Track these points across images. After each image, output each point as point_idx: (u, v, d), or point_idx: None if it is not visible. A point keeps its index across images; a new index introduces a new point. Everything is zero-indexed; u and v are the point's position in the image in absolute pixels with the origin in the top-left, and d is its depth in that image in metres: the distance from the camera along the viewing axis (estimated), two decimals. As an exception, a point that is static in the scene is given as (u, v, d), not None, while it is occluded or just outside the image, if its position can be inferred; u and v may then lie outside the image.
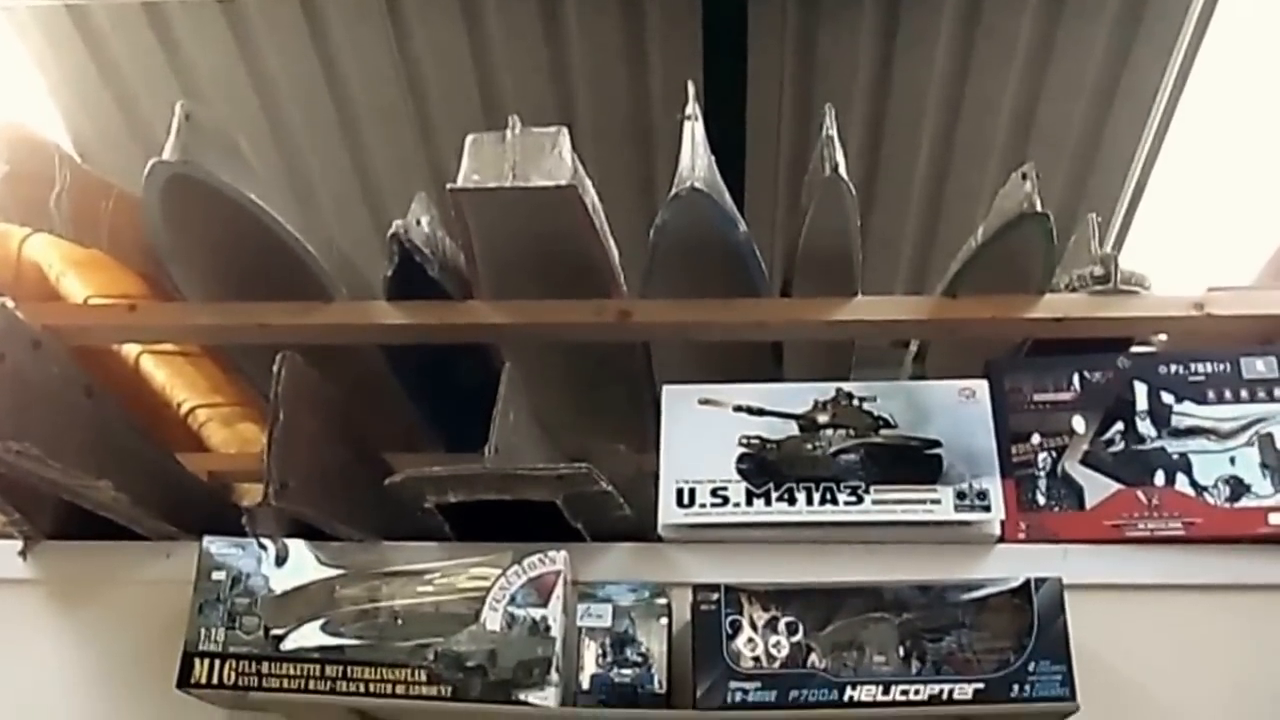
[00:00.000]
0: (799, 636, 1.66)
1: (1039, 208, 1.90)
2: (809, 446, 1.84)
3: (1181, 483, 1.85)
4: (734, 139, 3.00)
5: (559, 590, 1.69)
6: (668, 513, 1.82)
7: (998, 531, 1.82)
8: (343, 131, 3.41)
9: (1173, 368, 1.93)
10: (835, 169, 1.88)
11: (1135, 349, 2.09)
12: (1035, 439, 1.89)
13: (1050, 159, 3.27)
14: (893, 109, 3.28)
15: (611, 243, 2.00)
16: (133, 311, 2.10)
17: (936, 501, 1.80)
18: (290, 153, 3.43)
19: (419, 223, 2.02)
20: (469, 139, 1.85)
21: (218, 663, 1.67)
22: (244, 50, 3.21)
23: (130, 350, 2.46)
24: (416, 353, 2.24)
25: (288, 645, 1.68)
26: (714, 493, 1.82)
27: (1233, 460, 1.85)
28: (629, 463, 1.97)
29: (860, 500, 1.80)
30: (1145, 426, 1.89)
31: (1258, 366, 1.92)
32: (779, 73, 3.16)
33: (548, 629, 1.67)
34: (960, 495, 1.80)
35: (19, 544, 1.93)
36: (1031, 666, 1.60)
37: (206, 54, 3.23)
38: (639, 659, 1.68)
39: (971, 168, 3.40)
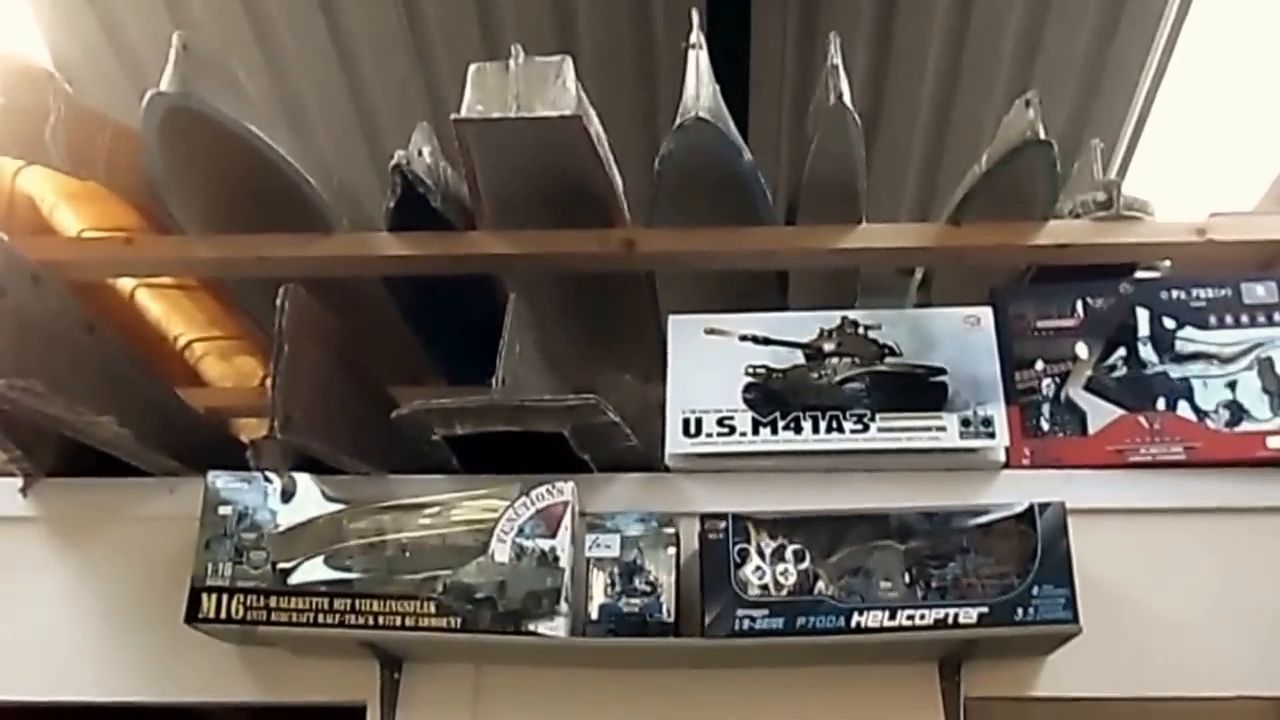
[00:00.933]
0: (806, 564, 1.67)
1: (1042, 135, 1.89)
2: (815, 375, 1.85)
3: (1183, 407, 1.86)
4: (738, 64, 2.96)
5: (567, 521, 1.70)
6: (674, 442, 1.82)
7: (1002, 458, 1.83)
8: (338, 57, 3.34)
9: (1174, 293, 1.93)
10: (840, 98, 1.86)
11: (1138, 275, 2.09)
12: (1039, 365, 1.90)
13: (1056, 82, 3.24)
14: (898, 34, 3.24)
15: (616, 172, 1.98)
16: (130, 245, 2.09)
17: (942, 429, 1.81)
18: (284, 79, 3.36)
19: (421, 153, 2.00)
20: (472, 69, 1.82)
21: (225, 597, 1.67)
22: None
23: (126, 284, 2.44)
24: (417, 284, 2.23)
25: (295, 579, 1.68)
26: (720, 422, 1.82)
27: (1233, 385, 1.87)
28: (635, 393, 1.96)
29: (866, 428, 1.81)
30: (1147, 352, 1.90)
31: (1258, 291, 1.92)
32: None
33: (556, 560, 1.67)
34: (965, 422, 1.81)
35: (19, 481, 1.92)
36: (1035, 590, 1.61)
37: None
38: (647, 588, 1.69)
39: (977, 93, 3.37)
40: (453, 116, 1.80)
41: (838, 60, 1.89)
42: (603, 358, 2.32)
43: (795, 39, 3.25)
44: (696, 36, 1.88)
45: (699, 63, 1.87)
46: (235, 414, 2.70)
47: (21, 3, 3.25)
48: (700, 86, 1.85)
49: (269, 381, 1.71)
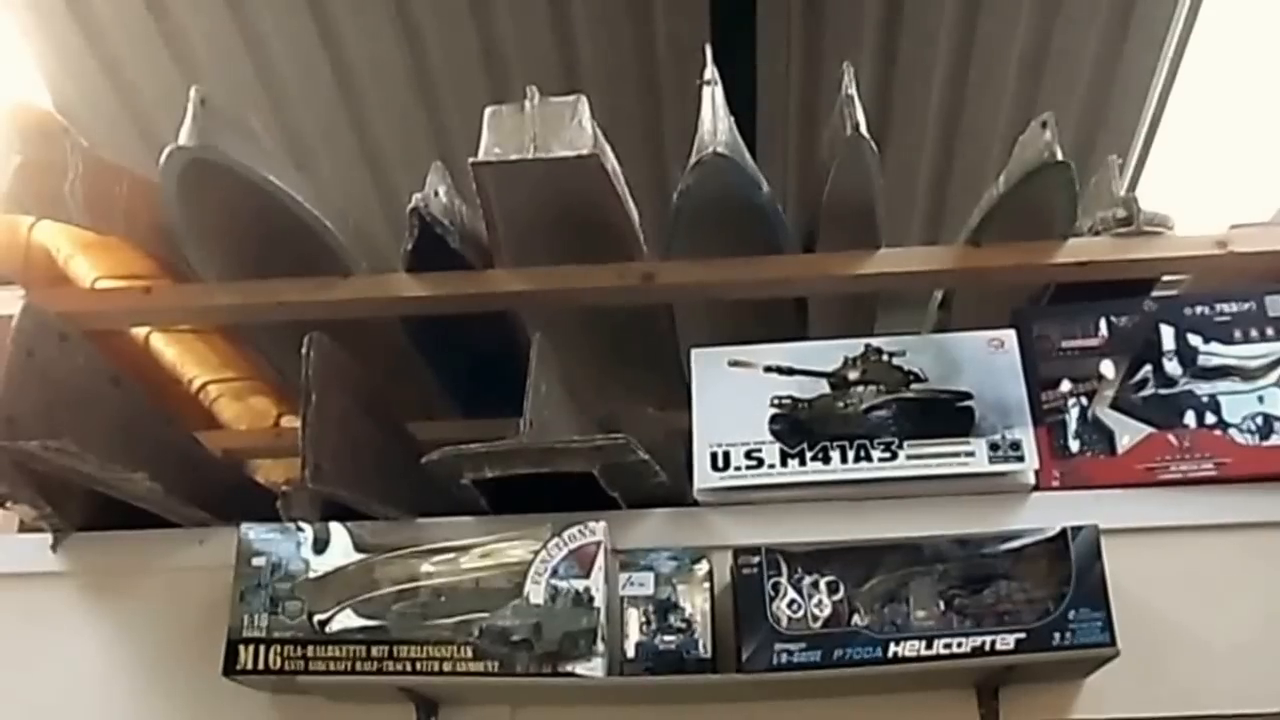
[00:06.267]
0: (840, 595, 1.67)
1: (1059, 156, 1.89)
2: (841, 404, 1.85)
3: (1211, 423, 1.85)
4: (744, 82, 2.96)
5: (600, 560, 1.69)
6: (703, 477, 1.82)
7: (1032, 481, 1.83)
8: (340, 91, 3.32)
9: (1198, 309, 1.93)
10: (856, 128, 1.86)
11: (1158, 291, 2.09)
12: (1065, 385, 1.89)
13: (1064, 95, 3.24)
14: (903, 50, 3.22)
15: (633, 206, 1.99)
16: (150, 294, 2.08)
17: (970, 454, 1.80)
18: (286, 115, 3.35)
19: (437, 194, 2.00)
20: (488, 111, 1.83)
21: (263, 648, 1.68)
22: (235, 12, 3.14)
23: (139, 329, 2.44)
24: (431, 321, 2.23)
25: (332, 628, 1.69)
26: (748, 455, 1.82)
27: (1260, 398, 1.87)
28: (659, 425, 1.96)
29: (894, 456, 1.81)
30: (1173, 368, 1.89)
31: (1282, 304, 1.92)
32: (786, 14, 3.10)
33: (591, 600, 1.67)
34: (994, 446, 1.80)
35: (49, 537, 1.91)
36: (1071, 614, 1.61)
37: (197, 17, 3.15)
38: (683, 625, 1.69)
39: (984, 106, 3.35)
40: (471, 160, 1.81)
41: (852, 90, 1.89)
42: (623, 390, 2.32)
43: (799, 56, 3.23)
44: (711, 73, 1.88)
45: (714, 98, 1.87)
46: (251, 455, 2.71)
47: (21, 45, 3.24)
48: (717, 121, 1.85)
49: (299, 431, 1.71)
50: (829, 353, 1.89)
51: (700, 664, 1.67)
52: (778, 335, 1.97)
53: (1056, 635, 1.60)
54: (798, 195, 3.25)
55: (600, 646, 1.65)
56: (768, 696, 1.74)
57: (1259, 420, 1.85)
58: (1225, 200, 2.47)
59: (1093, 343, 1.92)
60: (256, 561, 1.72)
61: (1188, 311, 1.92)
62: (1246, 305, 1.92)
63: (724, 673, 1.68)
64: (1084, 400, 1.88)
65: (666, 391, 2.11)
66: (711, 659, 1.68)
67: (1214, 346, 1.90)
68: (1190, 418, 1.86)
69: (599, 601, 1.67)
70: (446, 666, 1.66)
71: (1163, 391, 1.88)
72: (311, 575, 1.72)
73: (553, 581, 1.68)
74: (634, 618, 1.70)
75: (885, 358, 1.87)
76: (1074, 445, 1.86)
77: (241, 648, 1.68)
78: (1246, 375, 1.88)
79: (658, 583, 1.71)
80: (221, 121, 1.81)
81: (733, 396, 1.86)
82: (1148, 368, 1.89)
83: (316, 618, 1.69)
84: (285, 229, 1.95)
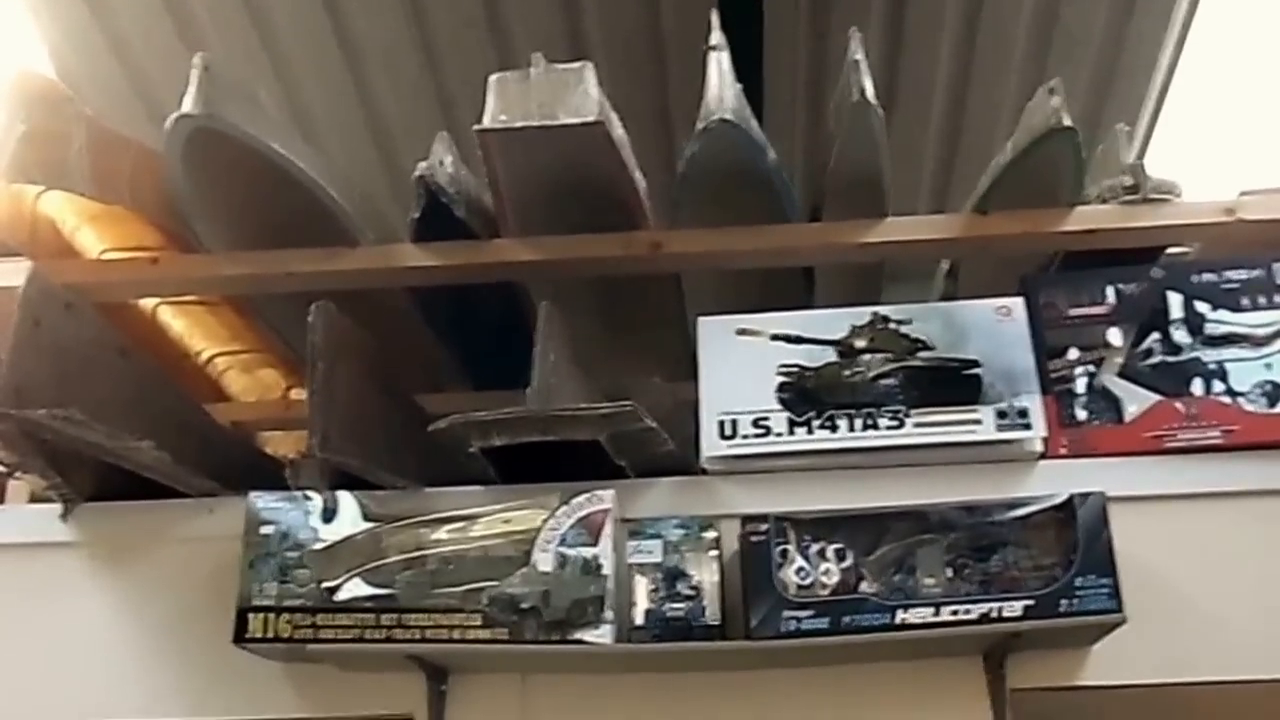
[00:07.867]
0: (848, 562, 1.68)
1: (1066, 122, 1.88)
2: (848, 372, 1.84)
3: (1219, 391, 1.85)
4: (751, 54, 2.95)
5: (608, 528, 1.70)
6: (711, 445, 1.82)
7: (1039, 448, 1.83)
8: (346, 63, 3.32)
9: (1206, 276, 1.92)
10: (863, 95, 1.86)
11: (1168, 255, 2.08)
12: (1073, 354, 1.89)
13: (1073, 64, 3.22)
14: (911, 20, 3.21)
15: (639, 175, 1.98)
16: (156, 265, 2.08)
17: (977, 422, 1.80)
18: (292, 87, 3.35)
19: (443, 163, 2.00)
20: (493, 79, 1.82)
21: (272, 617, 1.68)
22: (241, -15, 3.14)
23: (147, 301, 2.44)
24: (440, 292, 2.23)
25: (341, 596, 1.69)
26: (756, 423, 1.82)
27: (1268, 366, 1.86)
28: (666, 395, 1.96)
29: (901, 424, 1.81)
30: (1181, 336, 1.89)
31: (1291, 271, 1.91)
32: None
33: (599, 567, 1.68)
34: (1001, 414, 1.80)
35: (59, 507, 1.92)
36: (1078, 581, 1.61)
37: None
38: (691, 592, 1.70)
39: (992, 76, 3.34)
40: (476, 127, 1.80)
41: (859, 56, 1.88)
42: (630, 360, 2.32)
43: (808, 27, 3.22)
44: (718, 38, 1.87)
45: (720, 64, 1.86)
46: (260, 427, 2.71)
47: (25, 19, 3.23)
48: (723, 88, 1.84)
49: (306, 401, 1.71)
50: (836, 321, 1.88)
51: (708, 631, 1.68)
52: (784, 305, 1.96)
53: (1063, 602, 1.60)
54: (805, 165, 3.24)
55: (608, 614, 1.65)
56: (775, 664, 1.75)
57: (1267, 388, 1.84)
58: (1234, 167, 2.44)
59: (1100, 310, 1.91)
60: (265, 530, 1.73)
61: (1195, 279, 1.92)
62: (1255, 272, 1.91)
63: (732, 639, 1.68)
64: (1091, 368, 1.88)
65: (673, 361, 2.11)
66: (720, 626, 1.68)
67: (1222, 314, 1.89)
68: (1198, 385, 1.86)
69: (607, 569, 1.67)
70: (455, 634, 1.66)
71: (1170, 359, 1.88)
72: (320, 544, 1.72)
73: (561, 549, 1.69)
74: (642, 585, 1.70)
75: (893, 326, 1.86)
76: (1081, 413, 1.86)
77: (251, 616, 1.68)
78: (1254, 343, 1.87)
79: (666, 550, 1.72)
80: (226, 89, 1.80)
81: (740, 365, 1.86)
82: (1155, 335, 1.89)
83: (325, 586, 1.69)
84: (291, 198, 1.94)
